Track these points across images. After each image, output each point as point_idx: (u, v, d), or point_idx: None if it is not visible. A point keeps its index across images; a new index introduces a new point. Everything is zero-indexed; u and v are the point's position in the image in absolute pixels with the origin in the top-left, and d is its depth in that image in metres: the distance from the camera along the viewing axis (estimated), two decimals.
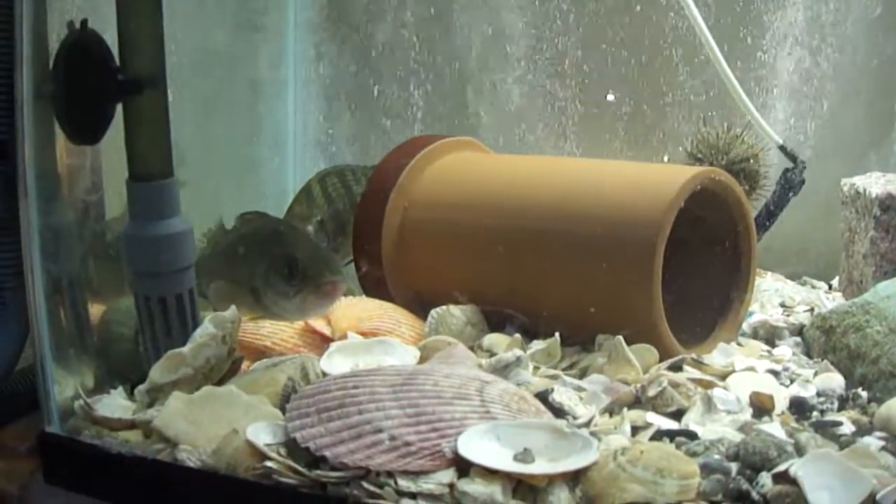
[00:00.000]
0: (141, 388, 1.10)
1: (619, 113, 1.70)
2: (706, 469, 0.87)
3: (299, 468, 0.91)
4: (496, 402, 0.95)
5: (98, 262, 1.28)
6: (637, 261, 1.16)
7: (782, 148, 1.53)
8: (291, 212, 1.55)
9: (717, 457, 0.90)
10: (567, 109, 1.74)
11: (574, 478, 0.87)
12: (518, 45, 1.76)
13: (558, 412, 1.00)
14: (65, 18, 1.14)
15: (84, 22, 1.13)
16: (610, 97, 1.57)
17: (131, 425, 1.07)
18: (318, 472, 0.91)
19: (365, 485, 0.89)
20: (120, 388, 1.16)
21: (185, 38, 1.49)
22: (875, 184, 1.39)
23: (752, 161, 1.52)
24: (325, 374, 1.10)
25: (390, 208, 1.34)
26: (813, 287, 1.56)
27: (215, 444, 0.97)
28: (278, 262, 1.16)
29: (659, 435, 0.97)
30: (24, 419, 1.26)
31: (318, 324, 1.25)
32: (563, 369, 1.16)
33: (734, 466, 0.89)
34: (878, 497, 0.81)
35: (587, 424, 1.00)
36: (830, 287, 1.55)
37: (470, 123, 1.81)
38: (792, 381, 1.13)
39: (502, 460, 0.88)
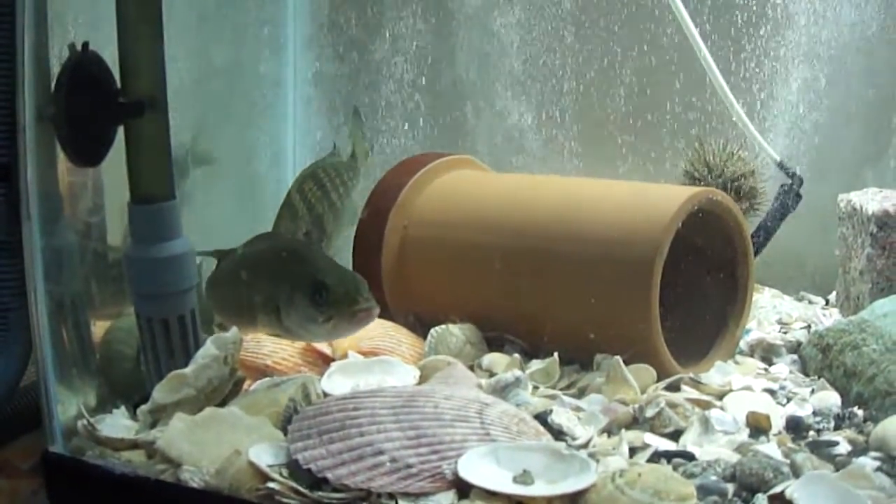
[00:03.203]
0: (144, 408, 1.10)
1: (617, 131, 1.71)
2: (703, 491, 0.88)
3: (301, 489, 0.92)
4: (496, 425, 0.96)
5: (100, 282, 1.28)
6: (635, 280, 1.17)
7: (780, 165, 1.53)
8: (277, 229, 1.51)
9: (713, 478, 0.91)
10: (565, 127, 1.75)
11: (573, 500, 0.88)
12: (517, 62, 1.77)
13: (557, 434, 1.01)
14: (66, 41, 1.15)
15: (85, 44, 1.14)
16: None
17: (134, 445, 1.07)
18: (320, 493, 0.92)
19: None
20: (122, 408, 1.16)
21: (186, 57, 1.50)
22: (871, 200, 1.39)
23: (748, 177, 1.53)
24: (325, 394, 1.11)
25: (390, 227, 1.35)
26: (810, 302, 1.56)
27: (218, 464, 0.98)
28: (304, 285, 1.12)
29: (656, 456, 0.98)
30: (26, 437, 1.26)
31: (319, 343, 1.25)
32: (562, 389, 1.17)
33: (731, 488, 0.90)
34: None
35: (586, 445, 1.00)
36: (827, 302, 1.56)
37: (469, 141, 1.81)
38: (788, 400, 1.13)
39: (502, 482, 0.89)
